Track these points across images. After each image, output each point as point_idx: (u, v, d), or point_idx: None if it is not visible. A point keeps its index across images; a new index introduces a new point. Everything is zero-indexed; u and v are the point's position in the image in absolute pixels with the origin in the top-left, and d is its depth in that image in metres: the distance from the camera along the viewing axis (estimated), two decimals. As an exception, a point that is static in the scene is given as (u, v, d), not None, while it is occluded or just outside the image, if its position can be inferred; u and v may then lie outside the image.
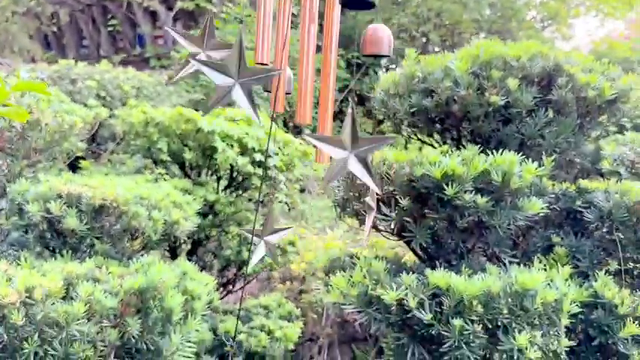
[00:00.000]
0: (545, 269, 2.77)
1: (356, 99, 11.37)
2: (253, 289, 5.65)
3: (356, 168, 0.88)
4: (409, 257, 3.37)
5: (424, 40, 10.41)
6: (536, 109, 2.84)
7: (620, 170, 3.33)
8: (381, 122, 10.39)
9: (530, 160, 2.76)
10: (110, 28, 11.15)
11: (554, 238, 3.03)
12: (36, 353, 2.19)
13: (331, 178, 0.90)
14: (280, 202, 4.24)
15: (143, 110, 4.09)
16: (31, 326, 2.18)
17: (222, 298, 4.40)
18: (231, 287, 4.39)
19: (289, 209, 6.71)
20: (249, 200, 4.41)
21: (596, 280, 2.78)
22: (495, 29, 9.81)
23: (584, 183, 3.04)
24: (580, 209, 2.95)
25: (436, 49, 11.39)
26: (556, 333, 2.53)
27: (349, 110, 0.89)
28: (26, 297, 2.17)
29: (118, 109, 4.43)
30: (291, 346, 4.01)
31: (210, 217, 4.13)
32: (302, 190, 7.80)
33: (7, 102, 1.19)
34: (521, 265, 2.78)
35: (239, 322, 4.04)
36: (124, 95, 4.60)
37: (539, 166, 2.74)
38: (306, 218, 7.23)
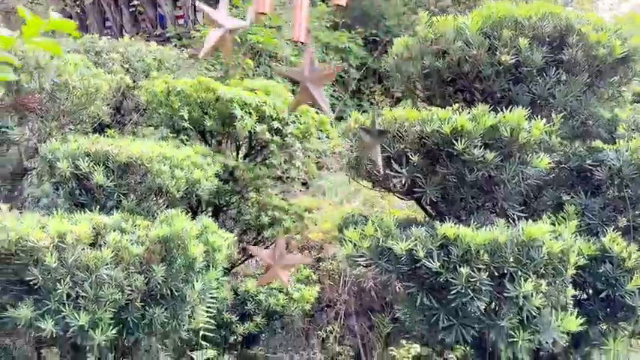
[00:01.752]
0: (554, 225, 2.85)
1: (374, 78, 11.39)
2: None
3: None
4: (420, 219, 3.47)
5: (442, 15, 10.37)
6: (547, 68, 2.89)
7: (634, 136, 3.36)
8: (399, 100, 10.40)
9: (541, 118, 2.83)
10: (132, 9, 11.31)
11: (565, 197, 3.09)
12: (68, 295, 2.36)
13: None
14: (297, 168, 4.35)
15: (165, 81, 4.23)
16: (63, 269, 2.35)
17: (242, 262, 4.56)
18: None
19: (306, 184, 6.84)
20: (268, 167, 4.53)
21: (605, 236, 2.85)
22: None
23: (595, 143, 3.10)
24: (590, 167, 3.00)
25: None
26: (562, 283, 2.61)
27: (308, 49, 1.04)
28: (58, 241, 2.34)
29: (142, 81, 4.58)
30: (308, 307, 4.15)
31: (231, 183, 4.26)
32: (320, 168, 7.92)
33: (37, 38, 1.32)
34: (532, 221, 2.86)
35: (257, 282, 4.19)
36: (146, 67, 4.74)
37: (550, 124, 2.80)
38: (324, 192, 7.35)
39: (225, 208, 4.45)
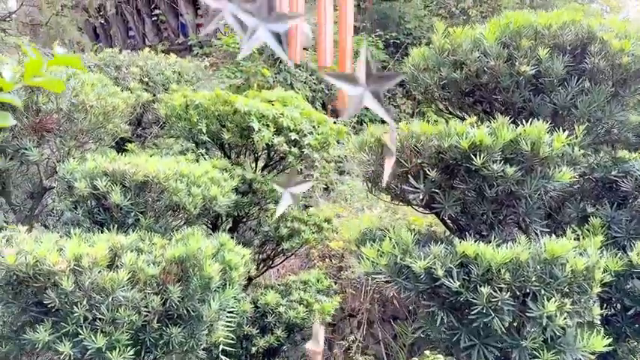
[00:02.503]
0: (579, 239, 2.76)
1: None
2: (293, 266, 5.79)
3: (371, 103, 0.89)
4: (444, 232, 3.40)
5: (464, 17, 10.20)
6: (569, 77, 2.80)
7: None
8: (420, 103, 10.30)
9: (563, 130, 2.74)
10: (154, 18, 11.46)
11: (590, 209, 3.00)
12: (85, 317, 2.38)
13: (351, 114, 0.92)
14: (316, 179, 4.33)
15: (184, 94, 4.25)
16: (80, 292, 2.36)
17: (262, 274, 4.55)
18: (270, 262, 4.52)
19: (327, 190, 6.80)
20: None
21: (632, 250, 2.75)
22: (538, 3, 9.52)
23: (620, 153, 2.99)
24: (616, 179, 2.91)
25: (477, 25, 11.14)
26: (588, 301, 2.53)
27: (362, 50, 0.90)
28: (75, 265, 2.35)
29: (161, 94, 4.61)
30: (329, 319, 4.12)
31: (250, 195, 4.26)
32: (341, 173, 7.88)
33: (43, 73, 1.32)
34: (555, 236, 2.78)
35: (279, 295, 4.18)
36: (165, 81, 4.78)
37: (572, 135, 2.71)
38: (345, 198, 7.31)
39: (244, 220, 4.45)
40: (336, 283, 4.89)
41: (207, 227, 4.26)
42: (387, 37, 10.94)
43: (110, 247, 2.56)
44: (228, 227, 4.45)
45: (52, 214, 4.05)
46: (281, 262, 4.76)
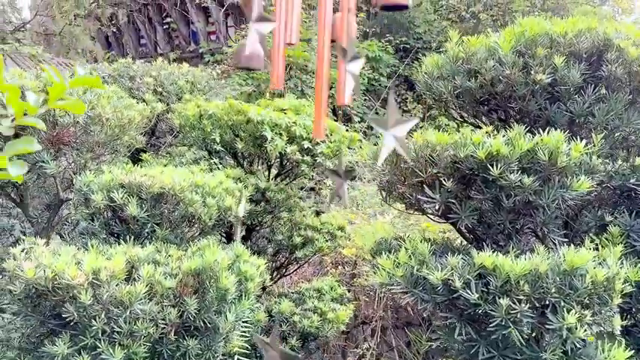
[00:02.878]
0: (597, 249, 2.73)
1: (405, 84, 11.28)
2: (307, 273, 5.78)
3: (395, 145, 0.95)
4: (460, 241, 3.38)
5: (474, 21, 10.17)
6: (585, 85, 2.78)
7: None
8: (431, 107, 10.27)
9: (579, 138, 2.72)
10: (166, 26, 11.54)
11: (608, 218, 2.97)
12: (103, 331, 2.39)
13: (381, 158, 0.98)
14: (328, 187, 4.32)
15: (197, 104, 4.27)
16: (98, 305, 2.37)
17: (275, 282, 4.55)
18: (284, 271, 4.52)
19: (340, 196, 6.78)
20: (301, 188, 4.52)
21: (652, 260, 2.71)
22: (549, 6, 9.46)
23: (638, 160, 2.96)
24: (634, 187, 2.87)
25: (488, 30, 11.10)
26: (608, 313, 2.50)
27: (390, 97, 0.95)
28: (93, 278, 2.36)
29: (174, 104, 4.64)
30: (343, 328, 4.10)
31: (263, 204, 4.26)
32: (353, 178, 7.87)
33: (65, 96, 1.33)
34: (573, 245, 2.75)
35: (293, 304, 4.18)
36: (179, 90, 4.80)
37: (589, 144, 2.69)
38: (357, 204, 7.29)
39: (258, 228, 4.46)
40: (349, 290, 4.87)
41: (222, 236, 4.28)
42: (397, 41, 10.94)
43: (127, 260, 2.58)
44: (241, 235, 4.46)
45: (68, 224, 4.08)
46: (294, 270, 4.76)
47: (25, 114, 1.23)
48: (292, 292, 4.55)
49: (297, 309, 4.07)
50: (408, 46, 11.25)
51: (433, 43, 11.65)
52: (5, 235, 4.22)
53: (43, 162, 2.88)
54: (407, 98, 11.34)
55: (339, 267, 5.55)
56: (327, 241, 4.40)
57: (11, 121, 1.25)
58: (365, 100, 10.45)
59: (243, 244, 4.21)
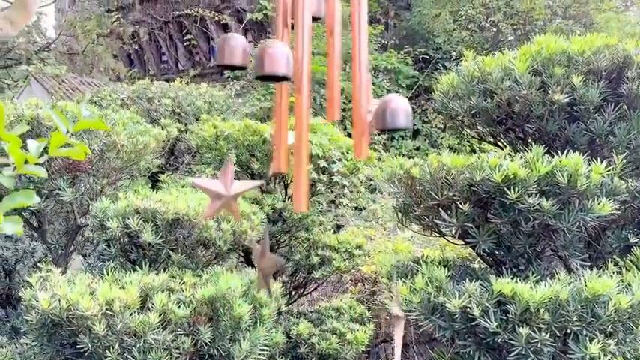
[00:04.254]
0: (621, 272, 2.64)
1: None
2: (326, 290, 5.74)
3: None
4: (479, 262, 3.31)
5: (494, 30, 10.05)
6: (605, 104, 2.70)
7: None
8: (453, 117, 10.18)
9: (600, 158, 2.64)
10: (186, 43, 11.69)
11: (632, 239, 2.87)
12: (118, 360, 2.38)
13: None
14: (346, 206, 4.29)
15: (214, 125, 4.29)
16: (112, 335, 2.37)
17: (294, 301, 4.52)
18: (302, 290, 4.50)
19: (358, 208, 6.74)
20: (319, 205, 4.49)
21: (680, 283, 2.61)
22: (571, 14, 9.30)
23: (663, 179, 2.86)
24: (659, 207, 2.78)
25: (509, 37, 10.97)
26: (633, 341, 2.41)
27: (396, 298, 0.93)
28: (106, 309, 2.37)
29: (192, 124, 4.67)
30: (362, 349, 4.05)
31: (280, 223, 4.25)
32: (372, 191, 7.81)
33: (70, 140, 1.33)
34: (595, 268, 2.66)
35: (312, 324, 4.14)
36: (197, 110, 4.84)
37: (611, 164, 2.61)
38: (377, 218, 7.24)
39: (276, 247, 4.44)
40: (369, 309, 4.81)
41: (240, 256, 4.27)
42: (416, 52, 10.89)
43: (142, 288, 2.58)
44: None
45: (90, 243, 4.12)
46: (313, 289, 4.72)
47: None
48: (311, 311, 4.51)
49: (315, 330, 4.03)
50: (428, 56, 11.19)
51: (453, 52, 11.56)
52: (27, 256, 4.29)
53: (60, 189, 2.91)
54: (427, 109, 11.26)
55: (359, 284, 5.49)
56: (344, 260, 4.36)
57: (13, 170, 1.25)
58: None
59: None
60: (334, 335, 3.98)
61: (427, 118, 10.85)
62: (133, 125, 3.18)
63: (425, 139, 10.48)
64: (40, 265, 3.89)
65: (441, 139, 10.15)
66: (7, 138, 1.22)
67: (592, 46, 2.69)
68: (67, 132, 1.35)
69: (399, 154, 9.83)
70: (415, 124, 11.08)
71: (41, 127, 2.75)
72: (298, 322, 4.10)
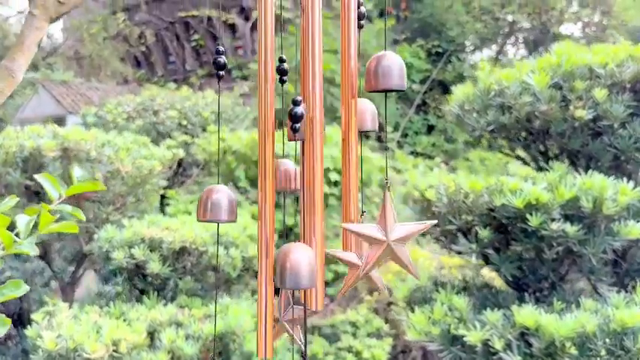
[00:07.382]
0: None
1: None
2: (341, 300, 5.64)
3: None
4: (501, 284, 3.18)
5: (509, 21, 9.80)
6: (630, 119, 2.55)
7: None
8: (470, 131, 9.96)
9: (626, 175, 2.49)
10: (194, 43, 11.58)
11: (661, 258, 2.72)
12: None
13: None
14: (361, 216, 4.17)
15: (221, 138, 4.20)
16: (121, 378, 2.29)
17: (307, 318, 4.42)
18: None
19: (374, 220, 6.62)
20: (331, 219, 4.39)
21: None
22: (588, 2, 9.02)
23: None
24: (691, 225, 2.62)
25: (524, 25, 10.65)
26: (667, 373, 2.27)
27: (387, 200, 0.80)
28: (113, 350, 2.29)
29: (199, 137, 4.57)
30: (382, 362, 3.95)
31: (292, 238, 4.15)
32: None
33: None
34: (623, 290, 2.53)
35: (327, 341, 4.05)
36: (203, 122, 4.74)
37: (635, 181, 2.46)
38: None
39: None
40: (387, 320, 4.71)
41: (253, 277, 4.18)
42: (429, 46, 10.66)
43: (149, 324, 2.50)
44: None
45: (95, 271, 4.06)
46: (327, 305, 4.62)
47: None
48: (325, 326, 4.42)
49: (331, 348, 3.94)
50: (441, 49, 10.95)
51: (467, 45, 11.31)
52: (36, 276, 4.24)
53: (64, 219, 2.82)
54: (442, 102, 11.05)
55: (374, 293, 5.38)
56: (359, 274, 4.26)
57: (1, 250, 1.17)
58: (397, 108, 10.22)
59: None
60: (350, 354, 3.88)
61: (442, 112, 10.65)
62: (137, 149, 3.09)
63: (440, 135, 10.28)
64: (49, 284, 3.83)
65: (457, 134, 9.95)
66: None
67: (615, 58, 2.53)
68: (60, 197, 1.26)
69: (413, 152, 9.63)
70: (429, 119, 10.86)
71: (42, 158, 2.66)
72: (312, 341, 4.01)
